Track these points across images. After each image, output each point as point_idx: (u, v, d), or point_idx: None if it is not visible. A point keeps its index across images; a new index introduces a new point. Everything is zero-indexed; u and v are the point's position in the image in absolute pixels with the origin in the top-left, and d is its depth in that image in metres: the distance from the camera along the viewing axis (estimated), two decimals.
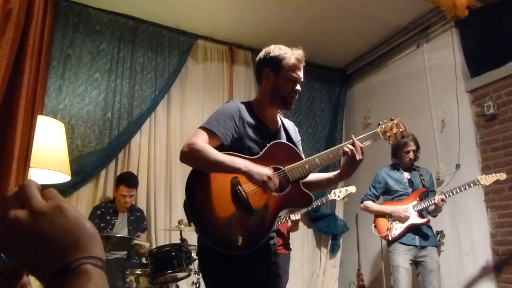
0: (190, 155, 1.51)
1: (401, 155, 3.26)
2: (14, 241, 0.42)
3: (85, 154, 3.62)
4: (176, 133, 4.14)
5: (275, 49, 1.69)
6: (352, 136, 1.64)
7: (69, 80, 3.69)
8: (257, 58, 1.75)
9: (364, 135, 1.68)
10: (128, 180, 3.46)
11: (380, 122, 1.75)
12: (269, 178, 1.46)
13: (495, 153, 3.45)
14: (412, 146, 3.23)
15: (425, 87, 4.13)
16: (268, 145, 1.62)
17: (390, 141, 1.74)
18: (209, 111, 4.35)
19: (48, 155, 2.62)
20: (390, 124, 1.73)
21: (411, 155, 3.23)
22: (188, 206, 1.53)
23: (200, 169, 1.55)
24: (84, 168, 3.55)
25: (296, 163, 1.59)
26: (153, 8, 3.99)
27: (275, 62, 1.66)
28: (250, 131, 1.63)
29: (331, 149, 1.65)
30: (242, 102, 1.74)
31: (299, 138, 1.87)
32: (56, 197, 0.45)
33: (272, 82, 1.67)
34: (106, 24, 3.96)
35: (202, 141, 1.53)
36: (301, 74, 1.69)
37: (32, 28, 1.85)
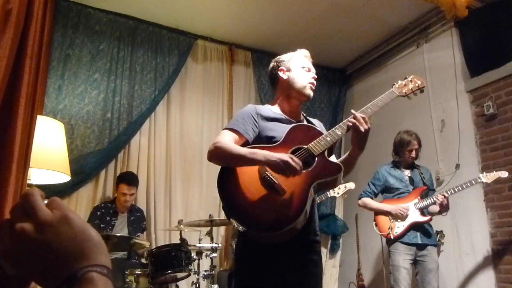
0: (214, 152, 1.61)
1: (404, 153, 3.26)
2: (21, 252, 0.43)
3: (84, 154, 3.62)
4: (176, 133, 4.14)
5: (282, 55, 1.87)
6: (352, 110, 1.67)
7: (68, 80, 3.69)
8: (270, 68, 1.89)
9: (380, 96, 1.70)
10: (128, 178, 3.48)
11: (394, 83, 1.78)
12: (286, 162, 1.48)
13: (494, 153, 3.45)
14: (415, 145, 3.24)
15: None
16: (287, 130, 1.67)
17: (409, 97, 1.75)
18: (209, 111, 4.36)
19: (48, 155, 2.62)
20: (404, 82, 1.76)
21: (413, 153, 3.24)
22: (223, 203, 1.58)
23: (225, 165, 1.62)
24: (84, 168, 3.55)
25: (318, 138, 1.63)
26: (152, 8, 3.99)
27: (287, 59, 1.83)
28: (270, 124, 1.72)
29: (338, 124, 1.69)
30: (262, 105, 1.87)
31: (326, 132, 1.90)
32: (61, 207, 0.46)
33: (288, 75, 1.80)
34: (105, 24, 3.96)
35: (226, 139, 1.63)
36: (312, 66, 1.83)
37: (32, 28, 1.85)
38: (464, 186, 3.00)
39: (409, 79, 1.76)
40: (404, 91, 1.74)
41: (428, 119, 4.04)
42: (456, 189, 3.02)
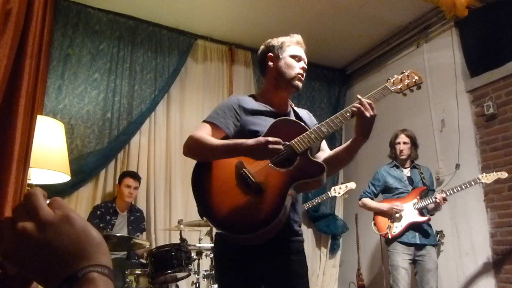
0: (189, 146, 1.54)
1: (394, 147, 3.31)
2: (22, 252, 0.43)
3: (84, 154, 3.62)
4: (176, 133, 4.14)
5: (274, 39, 1.74)
6: (358, 95, 1.55)
7: (68, 80, 3.69)
8: (259, 51, 1.77)
9: (372, 92, 1.59)
10: (133, 173, 3.57)
11: (389, 77, 1.64)
12: (266, 141, 1.36)
13: (494, 153, 3.45)
14: (403, 138, 3.27)
15: (424, 87, 4.10)
16: (270, 124, 1.56)
17: (404, 93, 1.62)
18: (209, 111, 4.25)
19: (48, 155, 2.62)
20: (400, 77, 1.63)
21: (401, 146, 3.26)
22: (196, 199, 1.50)
23: (201, 158, 1.55)
24: (83, 168, 3.55)
25: (301, 135, 1.51)
26: (152, 8, 3.99)
27: (277, 46, 1.69)
28: (252, 118, 1.61)
29: (337, 113, 1.57)
30: (247, 95, 1.75)
31: (316, 123, 1.76)
32: (63, 207, 0.46)
33: (276, 64, 1.67)
34: (105, 24, 3.96)
35: (202, 132, 1.54)
36: (303, 54, 1.69)
37: (32, 28, 1.85)
38: (463, 186, 3.00)
39: (406, 74, 1.63)
40: (399, 87, 1.60)
41: (428, 119, 4.04)
42: (455, 190, 3.02)
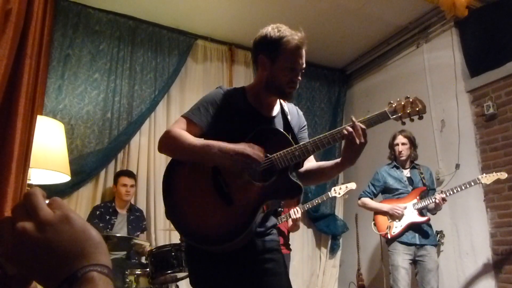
0: (165, 142, 1.46)
1: (393, 148, 3.32)
2: (22, 251, 0.43)
3: (84, 154, 3.62)
4: None
5: (272, 31, 1.48)
6: (352, 117, 1.43)
7: (68, 80, 3.69)
8: (253, 41, 1.55)
9: (369, 115, 1.46)
10: (126, 171, 3.59)
11: (391, 101, 1.50)
12: (245, 154, 1.30)
13: (494, 153, 3.45)
14: (401, 139, 3.27)
15: (424, 87, 4.13)
16: (255, 130, 1.45)
17: (403, 122, 1.49)
18: None
19: (48, 155, 2.62)
20: (403, 102, 1.48)
21: (400, 147, 3.27)
22: (164, 200, 1.43)
23: (176, 157, 1.49)
24: (83, 168, 3.55)
25: (285, 151, 1.42)
26: (152, 8, 3.99)
27: (272, 48, 1.46)
28: (236, 117, 1.49)
29: (327, 133, 1.46)
30: (234, 88, 1.61)
31: (305, 123, 1.69)
32: (63, 207, 0.46)
33: (268, 71, 1.49)
34: (105, 24, 3.96)
35: (179, 129, 1.45)
36: (302, 61, 1.48)
37: (32, 28, 1.85)
38: (463, 187, 3.00)
39: (410, 100, 1.49)
40: (400, 115, 1.48)
41: (428, 119, 4.03)
42: (455, 190, 3.02)
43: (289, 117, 1.62)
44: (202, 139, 1.43)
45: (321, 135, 1.47)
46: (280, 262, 1.52)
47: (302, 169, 1.58)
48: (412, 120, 1.51)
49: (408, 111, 1.48)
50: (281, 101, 1.64)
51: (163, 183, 1.45)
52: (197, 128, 1.47)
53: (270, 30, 1.49)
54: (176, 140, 1.42)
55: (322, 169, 1.56)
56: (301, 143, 1.46)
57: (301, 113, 1.72)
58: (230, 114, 1.50)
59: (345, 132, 1.40)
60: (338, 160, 1.49)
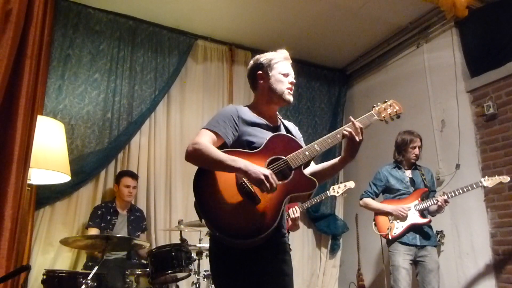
0: (193, 154, 1.59)
1: (407, 150, 3.25)
2: None
3: (85, 154, 3.62)
4: (176, 134, 4.14)
5: (262, 55, 1.84)
6: (351, 117, 1.69)
7: (69, 80, 3.69)
8: (249, 68, 1.87)
9: (360, 117, 1.75)
10: (130, 172, 3.59)
11: (374, 105, 1.83)
12: (266, 177, 1.49)
13: (495, 153, 3.45)
14: (418, 142, 3.26)
15: (425, 87, 4.13)
16: (268, 138, 1.68)
17: (386, 121, 1.83)
18: (209, 111, 4.35)
19: (48, 156, 2.63)
20: (384, 106, 1.82)
21: (416, 151, 3.25)
22: (197, 203, 1.57)
23: (204, 167, 1.62)
24: (84, 169, 3.55)
25: (297, 151, 1.65)
26: (153, 8, 3.99)
27: (266, 64, 1.81)
28: (249, 128, 1.71)
29: (329, 134, 1.71)
30: (241, 106, 1.84)
31: (301, 136, 1.93)
32: None
33: (267, 81, 1.79)
34: (106, 24, 3.96)
35: (206, 141, 1.61)
36: (291, 70, 1.82)
37: (32, 28, 1.85)
38: (465, 189, 3.00)
39: (389, 103, 1.83)
40: (382, 115, 1.80)
41: (428, 119, 4.04)
42: (457, 192, 3.02)
43: (288, 128, 1.90)
44: (224, 151, 1.60)
45: (324, 137, 1.71)
46: (290, 263, 1.73)
47: (308, 171, 1.76)
48: (392, 119, 1.83)
49: (389, 113, 1.82)
50: (280, 117, 1.91)
51: (195, 187, 1.59)
52: (220, 139, 1.65)
53: (259, 56, 1.84)
54: (203, 152, 1.57)
55: (326, 169, 1.78)
56: (309, 144, 1.70)
57: (297, 128, 1.97)
58: (244, 125, 1.72)
59: (346, 132, 1.65)
60: (338, 158, 1.75)
